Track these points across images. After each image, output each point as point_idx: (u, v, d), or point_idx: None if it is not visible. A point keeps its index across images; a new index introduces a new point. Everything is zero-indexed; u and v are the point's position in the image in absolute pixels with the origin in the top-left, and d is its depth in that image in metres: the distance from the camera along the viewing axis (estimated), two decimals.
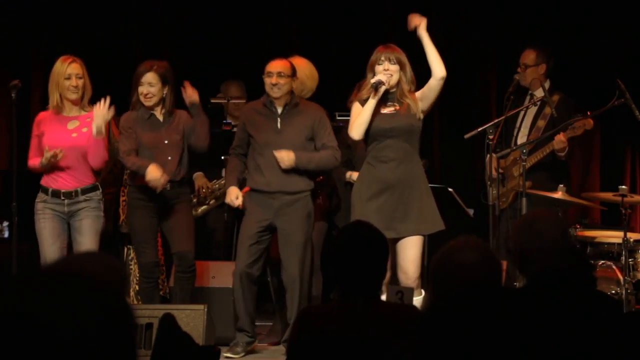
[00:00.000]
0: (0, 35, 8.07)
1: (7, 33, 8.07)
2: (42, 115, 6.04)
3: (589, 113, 6.38)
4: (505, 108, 6.40)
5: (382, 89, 5.54)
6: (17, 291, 1.46)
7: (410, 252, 5.44)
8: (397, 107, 5.59)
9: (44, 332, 1.42)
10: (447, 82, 8.08)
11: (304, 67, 6.35)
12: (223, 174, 6.91)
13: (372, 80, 5.53)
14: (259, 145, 6.07)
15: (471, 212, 6.91)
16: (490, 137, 6.05)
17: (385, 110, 5.61)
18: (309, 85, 6.39)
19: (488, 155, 6.24)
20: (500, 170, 6.71)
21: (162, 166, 6.02)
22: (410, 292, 4.12)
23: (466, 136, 6.21)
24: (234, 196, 6.05)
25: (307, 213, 6.09)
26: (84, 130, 5.97)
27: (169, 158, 6.07)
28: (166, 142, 6.08)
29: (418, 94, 5.61)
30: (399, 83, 5.60)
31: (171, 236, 6.15)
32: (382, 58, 5.56)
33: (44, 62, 8.02)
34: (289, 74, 6.06)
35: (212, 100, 6.90)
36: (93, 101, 6.00)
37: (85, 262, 2.33)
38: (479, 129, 6.10)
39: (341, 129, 7.04)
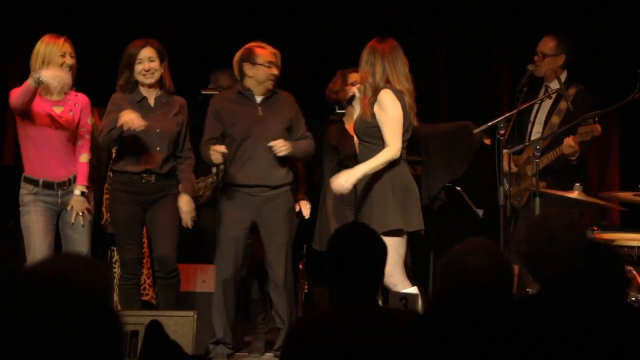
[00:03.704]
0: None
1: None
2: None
3: (596, 119, 6.35)
4: (518, 101, 6.38)
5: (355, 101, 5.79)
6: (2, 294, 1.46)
7: None
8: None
9: (26, 338, 1.42)
10: (456, 73, 8.16)
11: None
12: (213, 170, 6.92)
13: None
14: (237, 136, 6.09)
15: (480, 212, 6.92)
16: (502, 132, 6.03)
17: None
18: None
19: (504, 152, 6.25)
20: (515, 169, 6.70)
21: (148, 155, 6.02)
22: (414, 298, 4.14)
23: (475, 131, 6.21)
24: (219, 148, 5.99)
25: (289, 209, 6.19)
26: (70, 113, 6.01)
27: (157, 149, 6.05)
28: (158, 130, 6.03)
29: (376, 104, 5.61)
30: None
31: (153, 237, 6.13)
32: None
33: (23, 54, 8.03)
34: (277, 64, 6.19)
35: (203, 92, 6.90)
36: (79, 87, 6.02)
37: (69, 265, 2.33)
38: (489, 124, 6.09)
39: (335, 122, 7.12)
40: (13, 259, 2.94)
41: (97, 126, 6.56)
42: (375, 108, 5.60)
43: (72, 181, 6.02)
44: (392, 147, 5.58)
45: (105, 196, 6.77)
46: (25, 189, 5.98)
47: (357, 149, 5.83)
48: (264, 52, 6.11)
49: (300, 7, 8.27)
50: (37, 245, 5.88)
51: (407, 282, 5.58)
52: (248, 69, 6.11)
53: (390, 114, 5.59)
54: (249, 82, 6.14)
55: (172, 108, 6.13)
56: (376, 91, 5.61)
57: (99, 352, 1.46)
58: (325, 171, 6.78)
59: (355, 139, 5.90)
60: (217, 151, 5.96)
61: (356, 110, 5.89)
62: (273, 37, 7.98)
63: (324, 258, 3.39)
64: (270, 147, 6.04)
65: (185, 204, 6.08)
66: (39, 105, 5.92)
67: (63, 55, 5.94)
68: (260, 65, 6.09)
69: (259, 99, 6.16)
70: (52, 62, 5.90)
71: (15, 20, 8.07)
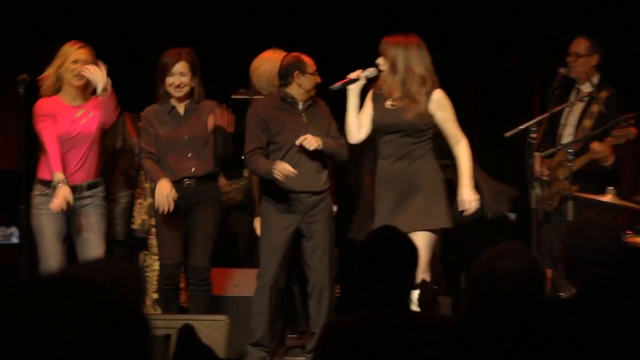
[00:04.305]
0: (7, 33, 8.13)
1: (14, 30, 8.13)
2: (44, 100, 6.02)
3: (629, 121, 6.29)
4: (550, 104, 6.36)
5: (355, 85, 5.77)
6: (25, 300, 1.47)
7: None
8: (399, 103, 5.68)
9: (52, 344, 1.43)
10: (486, 76, 8.11)
11: (278, 60, 6.40)
12: (245, 174, 6.92)
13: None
14: (285, 143, 6.10)
15: (513, 216, 6.88)
16: (533, 135, 6.01)
17: (388, 105, 5.76)
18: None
19: (536, 155, 6.23)
20: (547, 172, 6.67)
21: (181, 163, 6.06)
22: (446, 302, 4.12)
23: (507, 135, 6.18)
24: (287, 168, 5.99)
25: (330, 214, 6.23)
26: (90, 115, 6.03)
27: (189, 155, 6.11)
28: (186, 137, 6.11)
29: (433, 104, 5.63)
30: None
31: (190, 244, 6.18)
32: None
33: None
34: None
35: (233, 97, 6.90)
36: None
37: (97, 269, 2.34)
38: (521, 127, 6.07)
39: None
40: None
41: (129, 133, 6.58)
42: (433, 107, 5.67)
43: (84, 187, 6.02)
44: (465, 139, 5.77)
45: (138, 200, 6.79)
46: (37, 190, 6.00)
47: (386, 142, 5.75)
48: (310, 61, 6.19)
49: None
50: (50, 249, 5.91)
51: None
52: (298, 77, 6.14)
53: (452, 110, 5.75)
54: (294, 90, 6.16)
55: (202, 113, 6.19)
56: (422, 89, 5.62)
57: (128, 356, 1.46)
58: (365, 165, 6.76)
59: (363, 132, 5.81)
60: (285, 172, 5.95)
61: (353, 92, 5.79)
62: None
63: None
64: (308, 150, 6.06)
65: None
66: (61, 112, 5.96)
67: (75, 62, 5.97)
68: (310, 74, 6.14)
69: (301, 105, 6.18)
70: (64, 68, 5.96)
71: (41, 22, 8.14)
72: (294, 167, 6.07)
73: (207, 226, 6.14)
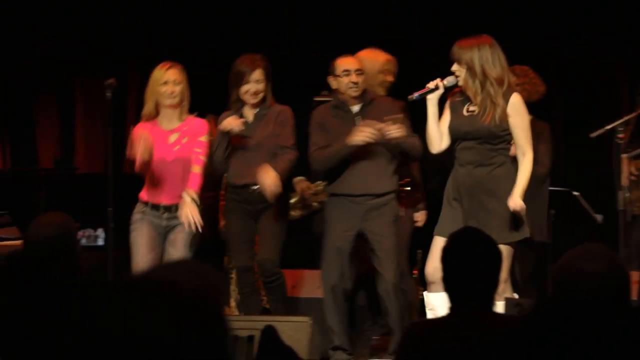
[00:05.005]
0: (96, 38, 8.30)
1: (103, 37, 8.30)
2: (139, 125, 6.14)
3: None
4: (637, 104, 6.28)
5: (434, 94, 5.57)
6: (108, 301, 1.51)
7: None
8: (476, 109, 5.53)
9: (131, 343, 1.46)
10: (573, 75, 8.01)
11: (374, 60, 6.39)
12: None
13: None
14: None
15: (599, 218, 6.81)
16: (620, 136, 5.94)
17: (465, 112, 5.59)
18: (380, 78, 6.45)
19: (623, 157, 6.15)
20: (636, 173, 6.59)
21: (247, 168, 6.13)
22: (529, 305, 4.10)
23: (592, 135, 6.12)
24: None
25: (394, 215, 6.16)
26: (184, 141, 6.08)
27: (254, 161, 6.15)
28: (253, 143, 6.16)
29: (510, 108, 5.51)
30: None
31: (258, 243, 6.25)
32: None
33: (139, 65, 8.22)
34: (362, 70, 6.16)
35: (316, 99, 6.94)
36: (192, 109, 6.13)
37: (178, 271, 2.38)
38: (607, 127, 6.00)
39: None
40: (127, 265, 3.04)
41: (213, 134, 6.67)
42: (510, 111, 5.49)
43: (179, 208, 6.07)
44: (531, 154, 5.53)
45: (221, 202, 6.87)
46: (136, 209, 6.13)
47: (465, 149, 5.63)
48: (342, 62, 6.13)
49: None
50: (139, 259, 6.02)
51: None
52: (332, 81, 6.16)
53: (526, 118, 5.58)
54: (340, 95, 6.17)
55: (270, 119, 6.20)
56: (500, 90, 5.51)
57: (206, 355, 1.49)
58: None
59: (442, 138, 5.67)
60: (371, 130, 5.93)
61: (432, 102, 5.56)
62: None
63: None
64: (365, 153, 6.04)
65: (267, 176, 6.03)
66: (155, 135, 6.04)
67: (165, 84, 6.02)
68: (339, 76, 6.12)
69: (355, 108, 6.17)
70: (154, 92, 6.03)
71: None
72: (351, 171, 6.08)
73: (270, 226, 6.17)
